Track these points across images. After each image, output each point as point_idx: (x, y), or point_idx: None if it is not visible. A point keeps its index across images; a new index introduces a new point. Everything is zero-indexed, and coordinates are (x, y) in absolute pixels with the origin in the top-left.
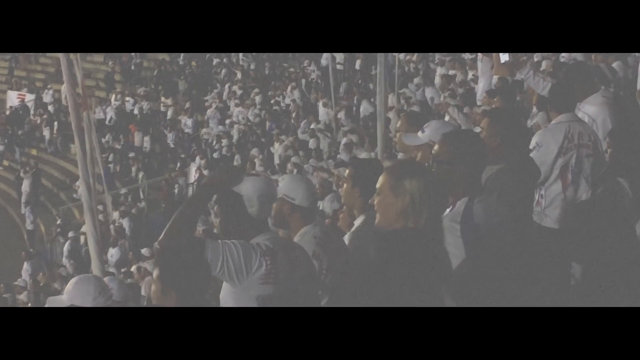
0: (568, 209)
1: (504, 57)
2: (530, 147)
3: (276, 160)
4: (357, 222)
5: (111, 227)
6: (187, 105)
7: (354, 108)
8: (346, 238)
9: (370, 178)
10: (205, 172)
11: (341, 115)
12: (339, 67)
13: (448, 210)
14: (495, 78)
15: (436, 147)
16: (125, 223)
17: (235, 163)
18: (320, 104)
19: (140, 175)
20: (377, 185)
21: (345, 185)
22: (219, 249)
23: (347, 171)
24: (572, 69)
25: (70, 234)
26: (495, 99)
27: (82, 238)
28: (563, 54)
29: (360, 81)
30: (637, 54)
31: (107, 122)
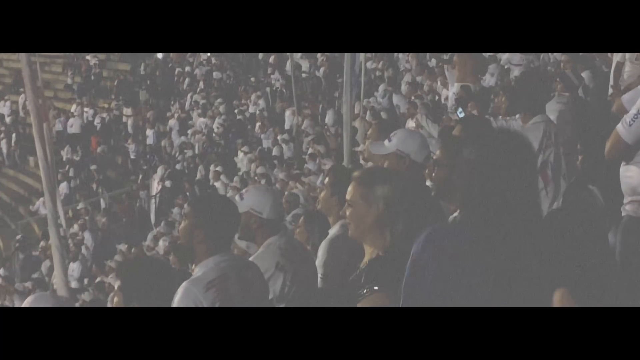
0: (548, 206)
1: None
2: None
3: (242, 169)
4: (333, 231)
5: (70, 241)
6: (149, 115)
7: (319, 117)
8: (321, 247)
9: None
10: (167, 184)
11: (305, 124)
12: (303, 75)
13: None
14: (457, 86)
15: (438, 152)
16: (87, 236)
17: (198, 174)
18: (287, 113)
19: (101, 189)
20: (347, 197)
21: (323, 193)
22: (190, 298)
23: (327, 179)
24: (525, 75)
25: (30, 250)
26: (470, 104)
27: (44, 252)
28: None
29: (324, 88)
30: (611, 55)
31: (70, 132)
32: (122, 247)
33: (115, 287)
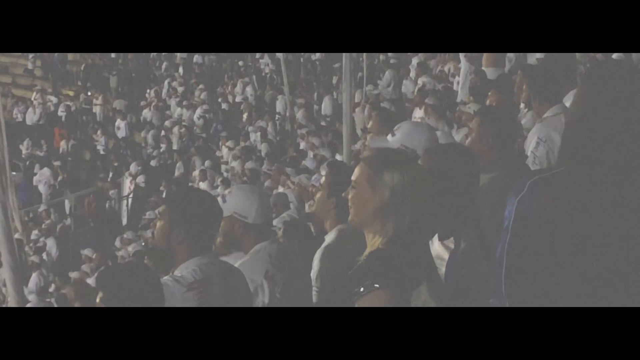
0: None
1: None
2: (531, 145)
3: (224, 167)
4: (329, 238)
5: (27, 248)
6: (120, 104)
7: (315, 106)
8: (316, 256)
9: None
10: (141, 183)
11: (299, 114)
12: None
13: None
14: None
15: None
16: (50, 243)
17: (177, 171)
18: (278, 101)
19: (65, 188)
20: (353, 177)
21: (319, 193)
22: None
23: (323, 177)
24: (553, 60)
25: None
26: (490, 93)
27: None
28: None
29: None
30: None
31: (30, 123)
32: (88, 252)
33: (97, 300)
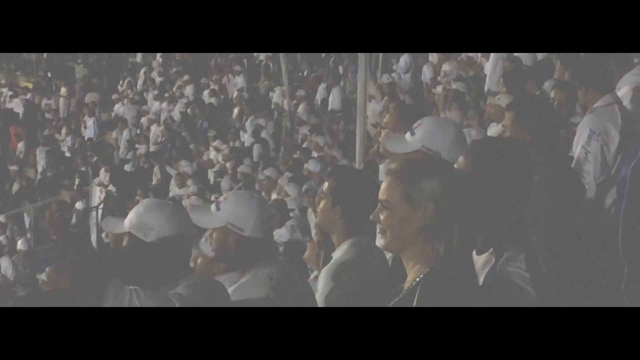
0: None
1: None
2: (582, 139)
3: (214, 170)
4: (337, 254)
5: None
6: (92, 98)
7: (318, 100)
8: (322, 276)
9: (356, 193)
10: (113, 191)
11: (300, 109)
12: None
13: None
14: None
15: (461, 160)
16: (4, 263)
17: (154, 178)
18: (275, 94)
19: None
20: (382, 196)
21: (322, 202)
22: (125, 297)
23: (327, 184)
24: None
25: None
26: (529, 83)
27: None
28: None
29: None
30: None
31: None
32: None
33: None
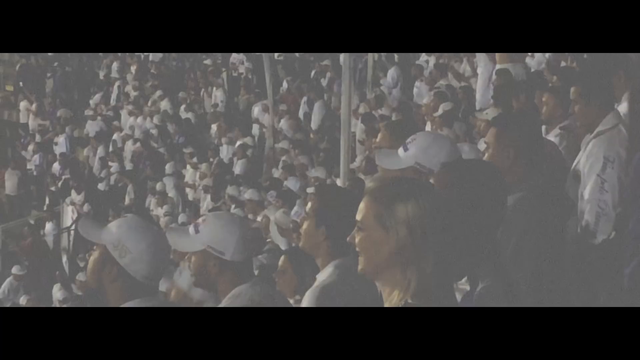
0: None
1: None
2: (596, 167)
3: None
4: (321, 277)
5: None
6: (59, 113)
7: (301, 115)
8: (307, 299)
9: (342, 213)
10: (86, 210)
11: (282, 124)
12: (277, 55)
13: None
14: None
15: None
16: None
17: (127, 197)
18: (256, 109)
19: None
20: (358, 217)
21: (305, 223)
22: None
23: (309, 204)
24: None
25: None
26: (521, 97)
27: None
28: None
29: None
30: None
31: None
32: (23, 300)
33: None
